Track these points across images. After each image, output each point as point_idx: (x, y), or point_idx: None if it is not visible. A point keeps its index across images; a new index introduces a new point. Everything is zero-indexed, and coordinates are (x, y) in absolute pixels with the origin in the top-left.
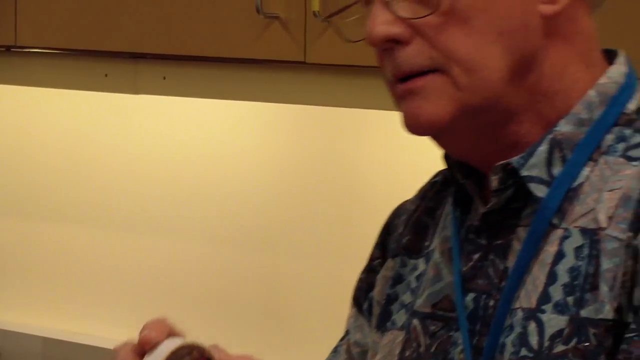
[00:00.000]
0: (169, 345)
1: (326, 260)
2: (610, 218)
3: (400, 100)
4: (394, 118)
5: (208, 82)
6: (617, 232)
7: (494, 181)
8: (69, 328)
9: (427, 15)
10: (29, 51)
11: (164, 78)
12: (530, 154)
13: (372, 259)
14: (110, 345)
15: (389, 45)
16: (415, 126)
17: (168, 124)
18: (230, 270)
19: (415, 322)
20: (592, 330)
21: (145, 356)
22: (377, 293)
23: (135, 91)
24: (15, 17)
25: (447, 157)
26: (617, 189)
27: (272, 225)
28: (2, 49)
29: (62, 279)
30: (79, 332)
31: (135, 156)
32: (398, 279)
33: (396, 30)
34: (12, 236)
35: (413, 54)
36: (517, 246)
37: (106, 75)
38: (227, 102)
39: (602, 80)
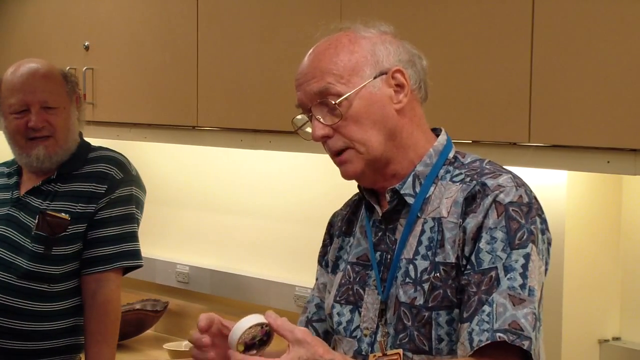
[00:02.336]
0: (247, 322)
1: None
2: (448, 212)
3: (338, 166)
4: None
5: (289, 144)
6: (452, 219)
7: (388, 197)
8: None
9: (338, 121)
10: (202, 128)
11: (270, 142)
12: (404, 182)
13: (324, 240)
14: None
15: (324, 139)
16: (347, 177)
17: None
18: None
19: (348, 267)
20: (442, 268)
21: (233, 329)
22: (331, 255)
23: (255, 148)
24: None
25: (359, 187)
26: (450, 197)
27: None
28: (190, 127)
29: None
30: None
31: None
32: (341, 248)
33: (325, 132)
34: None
35: (335, 142)
36: (400, 228)
37: (241, 140)
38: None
39: (435, 143)
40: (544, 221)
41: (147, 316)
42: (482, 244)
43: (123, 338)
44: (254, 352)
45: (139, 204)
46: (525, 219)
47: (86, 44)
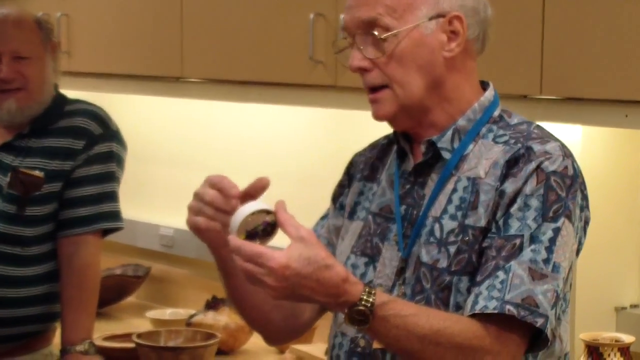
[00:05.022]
0: (253, 206)
1: None
2: (486, 173)
3: (370, 103)
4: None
5: (283, 96)
6: (490, 181)
7: (423, 148)
8: None
9: (380, 57)
10: (187, 80)
11: (259, 94)
12: (443, 135)
13: (342, 180)
14: None
15: (360, 71)
16: (377, 118)
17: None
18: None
19: (370, 217)
20: (471, 231)
21: (236, 212)
22: (349, 199)
23: (245, 101)
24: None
25: (396, 132)
26: (490, 158)
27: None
28: (174, 79)
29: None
30: None
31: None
32: (361, 193)
33: (363, 64)
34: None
35: (372, 77)
36: (430, 183)
37: (230, 92)
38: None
39: (482, 98)
40: (585, 198)
41: (128, 282)
42: (514, 210)
43: (102, 305)
44: (256, 242)
45: (120, 162)
46: (566, 192)
47: None
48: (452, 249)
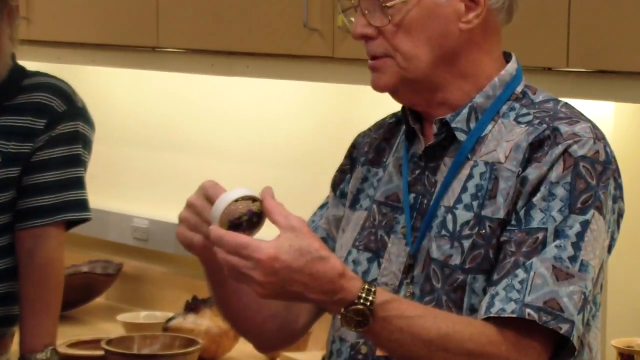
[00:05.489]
0: (236, 192)
1: None
2: (506, 157)
3: (371, 71)
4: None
5: (275, 69)
6: (510, 166)
7: (434, 128)
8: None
9: (387, 24)
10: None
11: (248, 67)
12: (458, 114)
13: (343, 164)
14: None
15: (364, 38)
16: (375, 88)
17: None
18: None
19: (374, 206)
20: (488, 224)
21: (217, 200)
22: (351, 186)
23: (230, 75)
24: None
25: (404, 109)
26: (511, 140)
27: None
28: (149, 48)
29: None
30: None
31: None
32: (365, 179)
33: (368, 31)
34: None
35: (376, 45)
36: (443, 168)
37: (212, 64)
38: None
39: (502, 72)
40: (618, 187)
41: (96, 281)
42: (537, 199)
43: (67, 307)
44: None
45: (87, 143)
46: (597, 180)
47: None
48: (467, 244)
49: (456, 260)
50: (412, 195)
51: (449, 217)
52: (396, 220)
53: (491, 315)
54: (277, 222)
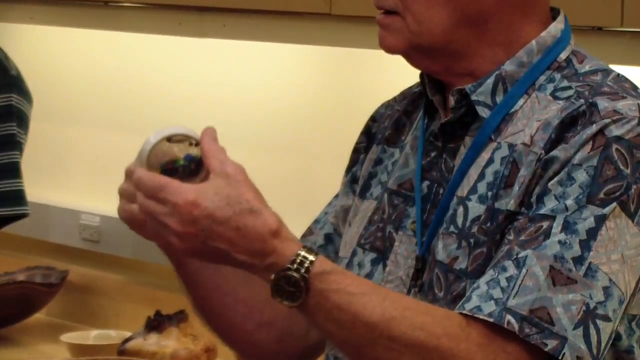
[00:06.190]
0: (171, 129)
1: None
2: (532, 138)
3: (379, 28)
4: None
5: (258, 29)
6: (535, 149)
7: (451, 100)
8: None
9: None
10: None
11: (224, 26)
12: (480, 84)
13: (358, 142)
14: None
15: None
16: (382, 47)
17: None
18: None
19: (385, 195)
20: (500, 217)
21: (148, 137)
22: (363, 170)
23: (202, 36)
24: None
25: (422, 76)
26: (543, 118)
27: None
28: (100, 3)
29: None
30: None
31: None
32: (379, 161)
33: None
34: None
35: None
36: (463, 150)
37: (180, 23)
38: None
39: (543, 33)
40: None
41: (35, 292)
42: (552, 184)
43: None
44: None
45: (22, 121)
46: (633, 169)
47: None
48: (474, 243)
49: (462, 263)
50: (426, 182)
51: (460, 210)
52: (406, 213)
53: (464, 312)
54: (211, 166)
